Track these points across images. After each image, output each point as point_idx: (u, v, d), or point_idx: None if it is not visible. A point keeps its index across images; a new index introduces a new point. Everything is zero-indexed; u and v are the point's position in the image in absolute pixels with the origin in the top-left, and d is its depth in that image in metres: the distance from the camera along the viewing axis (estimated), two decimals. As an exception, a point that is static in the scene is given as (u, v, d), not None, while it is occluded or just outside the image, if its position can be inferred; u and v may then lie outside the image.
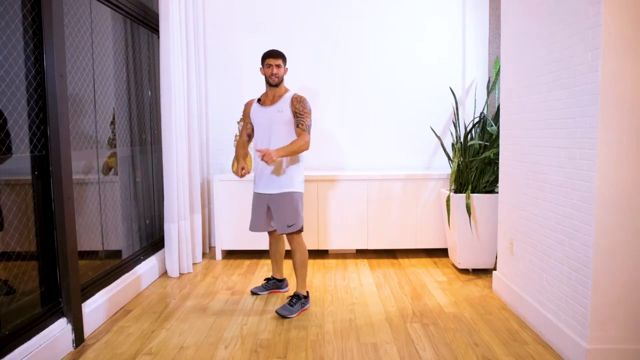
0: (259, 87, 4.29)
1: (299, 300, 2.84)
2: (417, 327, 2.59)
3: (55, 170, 2.25)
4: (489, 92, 3.97)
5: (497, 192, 3.48)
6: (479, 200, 3.43)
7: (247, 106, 3.04)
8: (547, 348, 2.33)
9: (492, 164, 3.56)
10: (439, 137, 4.01)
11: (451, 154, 3.88)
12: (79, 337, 2.38)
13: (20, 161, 2.15)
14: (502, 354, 2.26)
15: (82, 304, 2.48)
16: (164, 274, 3.59)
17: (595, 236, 2.00)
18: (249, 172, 3.03)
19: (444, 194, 3.75)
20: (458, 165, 3.60)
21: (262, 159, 2.67)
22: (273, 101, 2.88)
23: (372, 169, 4.28)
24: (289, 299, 2.85)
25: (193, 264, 3.83)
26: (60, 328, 2.27)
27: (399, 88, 4.29)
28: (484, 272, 3.54)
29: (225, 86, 4.31)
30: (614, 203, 1.98)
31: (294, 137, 2.85)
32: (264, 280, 3.25)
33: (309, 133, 2.84)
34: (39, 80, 2.22)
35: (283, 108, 2.83)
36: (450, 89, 4.08)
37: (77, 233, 2.46)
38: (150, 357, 2.27)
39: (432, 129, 4.20)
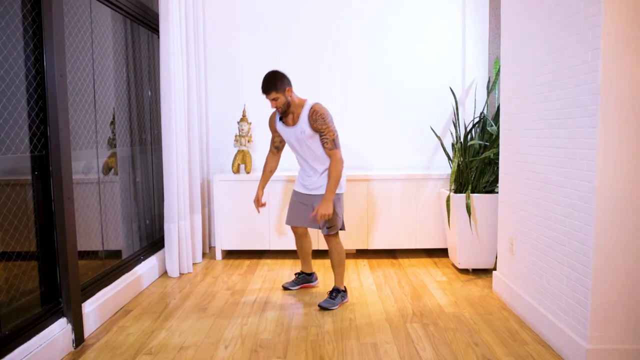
0: (259, 87, 4.29)
1: (339, 293, 2.93)
2: (417, 327, 2.59)
3: (55, 170, 2.25)
4: (489, 92, 3.97)
5: (497, 192, 3.48)
6: (479, 200, 3.43)
7: (272, 120, 3.00)
8: (547, 348, 2.33)
9: (492, 164, 3.56)
10: (439, 137, 4.01)
11: (451, 154, 3.88)
12: (79, 337, 2.38)
13: (20, 161, 2.15)
14: (502, 354, 2.26)
15: (82, 304, 2.48)
16: (164, 274, 3.59)
17: (595, 236, 2.00)
18: (264, 206, 3.09)
19: (444, 194, 3.75)
20: (458, 165, 3.60)
21: (322, 218, 2.68)
22: (294, 121, 2.82)
23: (372, 169, 4.28)
24: (329, 293, 2.94)
25: (193, 264, 3.83)
26: (60, 328, 2.27)
27: (399, 88, 4.29)
28: (484, 272, 3.54)
29: (225, 86, 4.31)
30: (614, 203, 1.98)
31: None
32: (295, 274, 3.31)
33: (337, 148, 2.77)
34: (39, 80, 2.22)
35: (304, 129, 2.76)
36: (450, 89, 4.08)
37: (77, 233, 2.46)
38: (150, 357, 2.27)
39: (432, 129, 4.20)
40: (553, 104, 2.35)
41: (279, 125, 2.91)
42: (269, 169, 3.11)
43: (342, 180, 2.89)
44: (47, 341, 2.15)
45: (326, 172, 2.84)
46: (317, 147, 2.81)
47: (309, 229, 3.17)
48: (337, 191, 2.85)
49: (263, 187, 3.10)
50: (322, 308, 2.85)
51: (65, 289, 2.32)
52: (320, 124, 2.72)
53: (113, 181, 3.12)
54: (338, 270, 2.95)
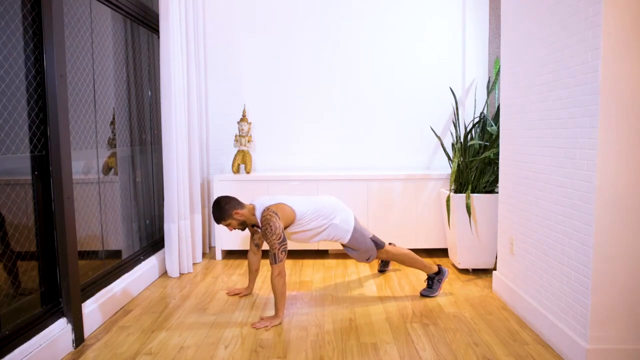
0: (259, 87, 4.30)
1: (434, 279, 3.07)
2: (417, 327, 2.59)
3: (55, 170, 2.25)
4: (489, 92, 3.97)
5: (497, 192, 3.48)
6: (479, 200, 3.43)
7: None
8: (547, 348, 2.33)
9: (492, 164, 3.56)
10: (439, 137, 4.01)
11: (451, 154, 3.88)
12: (79, 337, 2.38)
13: (20, 161, 2.15)
14: (502, 354, 2.26)
15: (82, 304, 2.48)
16: (164, 274, 3.59)
17: (595, 236, 2.00)
18: (236, 294, 3.09)
19: (444, 194, 3.75)
20: (458, 165, 3.60)
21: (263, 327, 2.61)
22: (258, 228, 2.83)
23: (372, 169, 4.28)
24: (426, 282, 3.11)
25: (193, 264, 3.83)
26: (60, 328, 2.27)
27: (399, 88, 4.29)
28: (484, 272, 3.54)
29: (225, 86, 4.31)
30: (614, 203, 1.98)
31: (306, 235, 2.90)
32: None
33: (277, 263, 2.62)
34: (39, 80, 2.22)
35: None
36: (450, 89, 4.08)
37: (77, 233, 2.46)
38: (150, 357, 2.27)
39: (432, 129, 4.20)
40: (553, 104, 2.35)
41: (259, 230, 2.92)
42: (254, 268, 3.11)
43: (348, 217, 2.94)
44: (47, 341, 2.15)
45: (333, 220, 2.89)
46: (304, 232, 2.84)
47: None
48: (346, 227, 2.91)
49: (253, 283, 3.13)
50: (425, 296, 3.04)
51: (65, 289, 2.32)
52: (266, 235, 2.64)
53: (113, 181, 3.12)
54: (415, 264, 3.07)
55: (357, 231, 2.96)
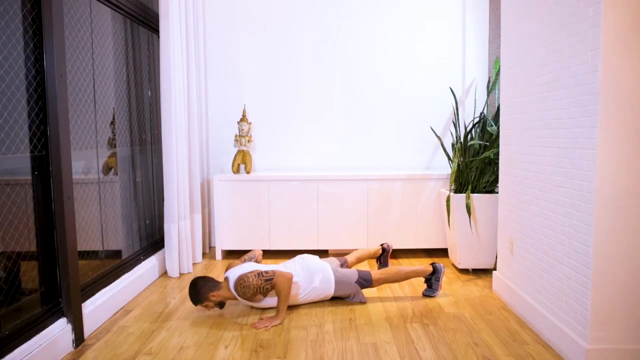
0: (259, 87, 4.31)
1: (431, 279, 3.08)
2: (417, 327, 2.59)
3: (55, 170, 2.25)
4: (489, 92, 3.97)
5: (497, 192, 3.48)
6: (479, 200, 3.43)
7: None
8: (547, 348, 2.33)
9: (492, 164, 3.56)
10: (439, 137, 4.01)
11: (451, 154, 3.89)
12: (79, 337, 2.38)
13: (20, 161, 2.15)
14: (502, 354, 2.26)
15: (82, 304, 2.48)
16: (164, 274, 3.59)
17: (595, 236, 2.00)
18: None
19: (444, 194, 3.75)
20: (458, 165, 3.60)
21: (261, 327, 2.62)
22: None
23: (372, 169, 4.28)
24: (425, 283, 3.12)
25: (193, 264, 3.83)
26: (60, 328, 2.27)
27: (399, 88, 4.29)
28: (484, 272, 3.54)
29: (225, 86, 4.31)
30: (614, 203, 1.98)
31: (298, 298, 2.87)
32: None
33: (273, 277, 2.68)
34: (39, 80, 2.22)
35: (249, 302, 2.73)
36: (450, 89, 4.08)
37: (77, 233, 2.46)
38: (150, 357, 2.27)
39: (432, 129, 4.20)
40: (553, 104, 2.35)
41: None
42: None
43: (327, 274, 2.91)
44: (47, 341, 2.15)
45: (319, 283, 2.89)
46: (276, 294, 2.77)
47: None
48: (327, 285, 2.89)
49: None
50: (427, 296, 3.06)
51: (65, 289, 2.32)
52: (249, 293, 2.66)
53: (113, 181, 3.12)
54: (410, 275, 3.04)
55: (339, 283, 2.92)
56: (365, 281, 2.97)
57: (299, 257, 3.04)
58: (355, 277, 2.96)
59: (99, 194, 2.89)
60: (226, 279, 2.78)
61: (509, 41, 2.89)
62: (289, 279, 2.69)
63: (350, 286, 2.94)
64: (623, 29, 1.92)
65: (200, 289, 2.69)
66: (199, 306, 2.76)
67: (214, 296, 2.70)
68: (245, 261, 2.97)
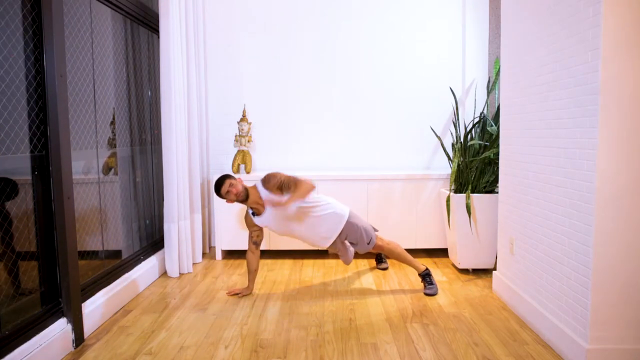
0: (259, 87, 4.30)
1: (425, 276, 3.14)
2: (417, 327, 2.59)
3: (55, 170, 2.25)
4: (489, 92, 3.97)
5: (497, 192, 3.48)
6: (479, 200, 3.43)
7: (247, 216, 3.13)
8: (547, 348, 2.33)
9: (492, 164, 3.56)
10: (439, 137, 4.01)
11: (451, 154, 3.88)
12: (79, 337, 2.38)
13: (20, 161, 2.15)
14: (502, 354, 2.26)
15: (82, 304, 2.48)
16: (164, 274, 3.59)
17: (595, 236, 2.00)
18: (235, 294, 3.13)
19: (444, 194, 3.75)
20: (458, 165, 3.60)
21: (276, 207, 2.79)
22: (262, 205, 2.98)
23: (372, 169, 4.28)
24: (422, 282, 3.16)
25: (193, 264, 3.83)
26: (60, 328, 2.27)
27: (399, 88, 4.29)
28: (484, 272, 3.54)
29: (225, 86, 4.31)
30: (614, 203, 1.98)
31: (310, 210, 2.98)
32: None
33: (300, 180, 2.88)
34: (39, 80, 2.22)
35: (271, 197, 2.87)
36: (450, 89, 4.08)
37: (77, 233, 2.46)
38: (150, 357, 2.27)
39: (432, 129, 4.20)
40: (553, 104, 2.35)
41: (257, 219, 3.04)
42: (253, 268, 3.15)
43: (343, 208, 3.08)
44: (47, 341, 2.15)
45: (327, 222, 3.01)
46: (299, 212, 2.91)
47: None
48: (341, 213, 3.03)
49: (253, 283, 3.17)
50: (429, 295, 3.07)
51: (65, 289, 2.32)
52: (273, 181, 2.89)
53: (113, 181, 3.12)
54: (406, 260, 3.16)
55: (353, 217, 3.08)
56: (370, 236, 3.08)
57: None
58: (367, 225, 3.11)
59: (99, 194, 2.89)
60: (255, 185, 3.02)
61: (509, 41, 2.89)
62: (312, 186, 2.86)
63: (358, 229, 3.04)
64: (623, 29, 1.92)
65: (226, 176, 2.94)
66: (223, 190, 2.91)
67: (238, 181, 2.92)
68: None
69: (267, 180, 2.92)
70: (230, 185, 2.89)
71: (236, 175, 3.98)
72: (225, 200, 2.96)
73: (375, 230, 3.28)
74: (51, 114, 2.23)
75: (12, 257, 2.11)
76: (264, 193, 2.95)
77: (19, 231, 2.15)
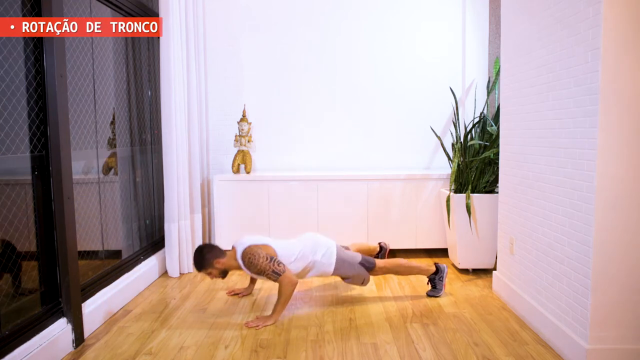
0: (259, 87, 4.30)
1: (434, 279, 3.07)
2: (417, 327, 2.59)
3: (55, 170, 2.25)
4: (489, 92, 3.97)
5: (497, 192, 3.48)
6: (479, 200, 3.43)
7: None
8: (547, 348, 2.33)
9: (492, 164, 3.56)
10: (439, 137, 4.01)
11: (451, 154, 3.88)
12: (79, 337, 2.38)
13: (20, 161, 2.15)
14: (502, 354, 2.26)
15: (82, 304, 2.48)
16: (164, 274, 3.59)
17: (595, 236, 2.00)
18: (235, 294, 3.11)
19: (444, 194, 3.75)
20: (458, 165, 3.60)
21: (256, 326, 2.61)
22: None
23: (372, 169, 4.28)
24: (429, 284, 3.10)
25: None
26: (60, 328, 2.27)
27: (399, 88, 4.29)
28: (484, 272, 3.54)
29: (225, 86, 4.31)
30: (614, 203, 1.98)
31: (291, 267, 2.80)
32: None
33: (281, 274, 2.65)
34: (39, 80, 2.21)
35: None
36: (450, 89, 4.08)
37: (77, 233, 2.46)
38: (150, 357, 2.27)
39: (432, 129, 4.20)
40: (553, 104, 2.35)
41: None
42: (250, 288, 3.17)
43: (329, 250, 2.88)
44: (47, 341, 2.15)
45: (321, 257, 2.87)
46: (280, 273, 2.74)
47: None
48: (328, 261, 2.86)
49: (254, 283, 3.17)
50: (432, 296, 3.05)
51: (65, 289, 2.32)
52: (255, 267, 2.67)
53: (113, 181, 3.12)
54: (412, 271, 3.07)
55: (341, 261, 2.90)
56: (369, 264, 2.95)
57: (309, 234, 3.05)
58: (359, 258, 2.96)
59: (99, 194, 2.89)
60: (234, 248, 2.80)
61: (509, 41, 2.89)
62: (294, 283, 2.67)
63: (353, 267, 2.92)
64: (623, 29, 1.92)
65: (206, 255, 2.73)
66: (202, 272, 2.79)
67: (218, 263, 2.74)
68: None
69: (247, 263, 2.69)
70: (209, 273, 2.78)
71: (236, 176, 3.98)
72: None
73: (378, 253, 3.33)
74: (51, 114, 2.23)
75: (12, 257, 2.11)
76: (244, 269, 2.77)
77: (19, 231, 2.15)
